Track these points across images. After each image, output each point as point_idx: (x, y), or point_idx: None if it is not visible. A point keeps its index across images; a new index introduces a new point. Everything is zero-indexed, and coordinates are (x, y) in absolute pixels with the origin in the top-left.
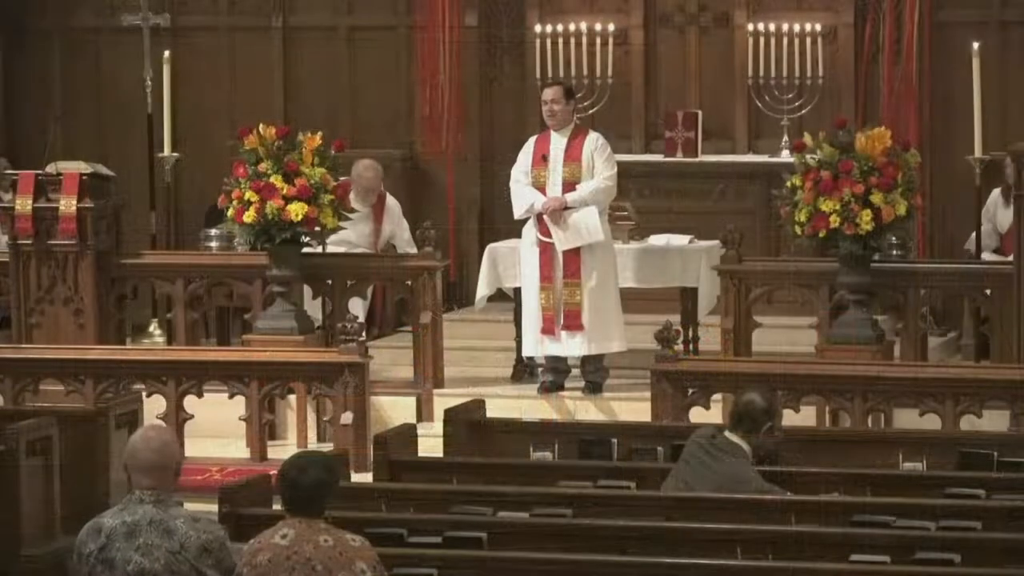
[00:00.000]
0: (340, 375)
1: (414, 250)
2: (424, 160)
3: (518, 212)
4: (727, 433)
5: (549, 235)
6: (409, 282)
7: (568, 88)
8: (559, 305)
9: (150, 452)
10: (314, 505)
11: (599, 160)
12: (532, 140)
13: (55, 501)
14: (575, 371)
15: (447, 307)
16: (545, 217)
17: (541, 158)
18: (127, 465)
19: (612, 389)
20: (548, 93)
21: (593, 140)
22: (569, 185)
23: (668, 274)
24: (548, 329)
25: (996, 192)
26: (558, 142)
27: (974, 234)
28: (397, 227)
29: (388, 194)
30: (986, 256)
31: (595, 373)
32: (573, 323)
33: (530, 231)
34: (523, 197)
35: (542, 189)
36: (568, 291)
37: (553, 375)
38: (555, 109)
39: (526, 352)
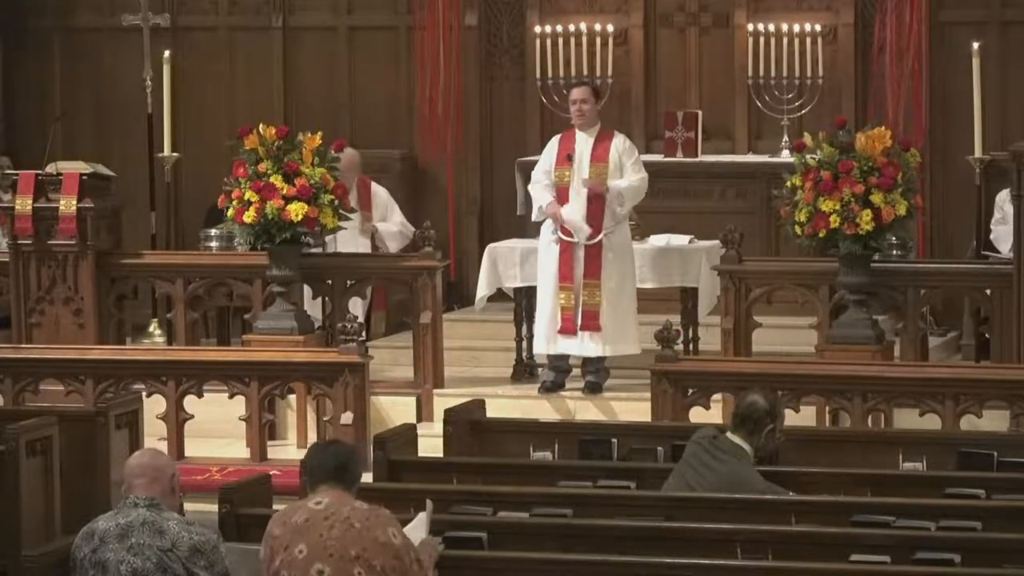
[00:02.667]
0: (340, 375)
1: (409, 230)
2: (424, 160)
3: (534, 215)
4: (728, 434)
5: (570, 234)
6: (409, 282)
7: (596, 88)
8: (579, 305)
9: (146, 460)
10: (344, 474)
11: (628, 162)
12: (555, 139)
13: (55, 501)
14: (575, 371)
15: (447, 307)
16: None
17: (566, 157)
18: (124, 479)
19: (612, 389)
20: (578, 93)
21: (621, 142)
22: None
23: (668, 274)
24: (567, 329)
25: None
26: (584, 142)
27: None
28: (387, 210)
29: (374, 183)
30: (1003, 249)
31: (596, 374)
32: (591, 324)
33: (548, 229)
34: (537, 200)
35: (565, 189)
36: (588, 291)
37: (555, 374)
38: (584, 109)
39: (537, 350)
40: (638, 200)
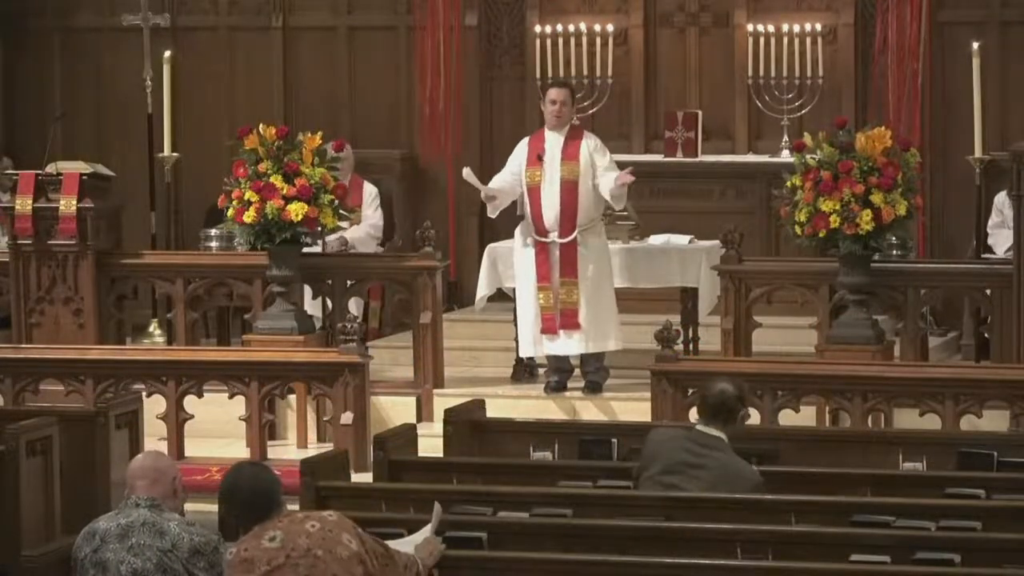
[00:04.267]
0: (340, 375)
1: (378, 229)
2: (424, 160)
3: (490, 211)
4: (702, 428)
5: (546, 235)
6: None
7: (572, 88)
8: (558, 304)
9: (147, 463)
10: (272, 503)
11: (602, 162)
12: (525, 141)
13: (55, 501)
14: (577, 371)
15: (447, 307)
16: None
17: (536, 157)
18: (126, 481)
19: (612, 389)
20: (558, 94)
21: (592, 141)
22: (568, 183)
23: (668, 274)
24: (549, 329)
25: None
26: (555, 141)
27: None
28: (369, 207)
29: (366, 182)
30: (999, 252)
31: (595, 373)
32: (570, 322)
33: (524, 232)
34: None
35: (536, 188)
36: (565, 290)
37: (558, 375)
38: (563, 111)
39: (523, 352)
40: (624, 199)
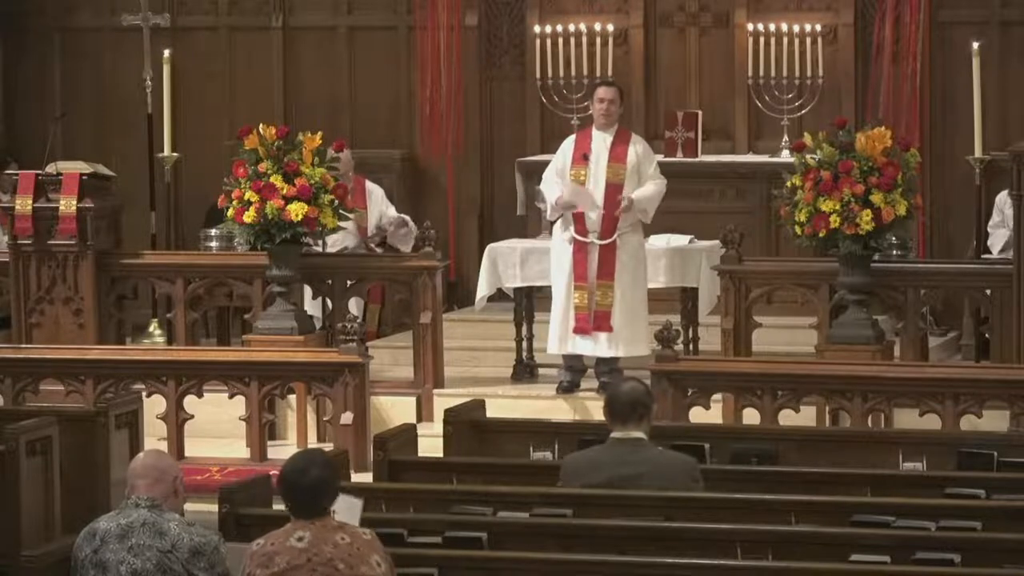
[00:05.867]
0: (340, 375)
1: (412, 225)
2: (424, 160)
3: (549, 214)
4: (619, 434)
5: (586, 235)
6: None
7: (621, 88)
8: (592, 305)
9: (149, 462)
10: (319, 505)
11: (649, 168)
12: (571, 139)
13: (55, 501)
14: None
15: (447, 307)
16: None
17: (582, 156)
18: (127, 480)
19: None
20: (607, 92)
21: (639, 144)
22: (612, 186)
23: (668, 274)
24: (582, 329)
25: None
26: (602, 141)
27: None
28: (383, 209)
29: (368, 181)
30: (995, 252)
31: (609, 374)
32: (603, 324)
33: (561, 228)
34: (549, 196)
35: (581, 187)
36: (601, 292)
37: (570, 375)
38: (611, 109)
39: (550, 350)
40: (657, 205)
